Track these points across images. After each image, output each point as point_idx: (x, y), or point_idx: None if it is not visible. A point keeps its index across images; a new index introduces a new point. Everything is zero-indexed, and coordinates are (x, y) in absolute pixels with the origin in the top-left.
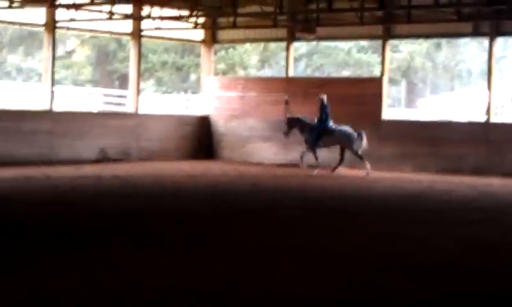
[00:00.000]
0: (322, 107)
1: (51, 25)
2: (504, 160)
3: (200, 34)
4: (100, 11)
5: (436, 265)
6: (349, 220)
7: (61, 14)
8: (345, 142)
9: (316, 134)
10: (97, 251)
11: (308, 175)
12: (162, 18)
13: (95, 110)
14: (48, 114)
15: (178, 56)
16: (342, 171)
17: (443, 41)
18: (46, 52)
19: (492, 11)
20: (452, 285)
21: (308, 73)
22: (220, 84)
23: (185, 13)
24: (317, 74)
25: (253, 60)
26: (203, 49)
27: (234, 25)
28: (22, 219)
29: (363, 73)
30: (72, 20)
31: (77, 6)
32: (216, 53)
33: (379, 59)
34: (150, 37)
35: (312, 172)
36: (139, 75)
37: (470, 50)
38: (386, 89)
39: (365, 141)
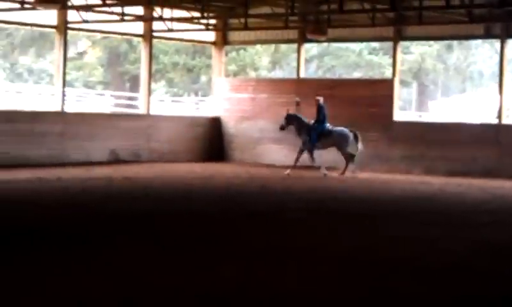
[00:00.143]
0: (319, 109)
1: (63, 26)
2: None
3: (211, 35)
4: (112, 13)
5: (446, 267)
6: (358, 223)
7: (72, 15)
8: (342, 144)
9: (315, 136)
10: (107, 253)
11: (318, 177)
12: (173, 19)
13: (106, 112)
14: (59, 116)
15: (189, 57)
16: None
17: (455, 42)
18: (57, 53)
19: (504, 12)
20: (462, 287)
21: (319, 74)
22: (231, 86)
23: (196, 14)
24: (328, 75)
25: (264, 61)
26: (214, 50)
27: (245, 27)
28: (32, 221)
29: (374, 74)
30: (83, 21)
31: (88, 8)
32: (226, 54)
33: (390, 61)
34: (161, 38)
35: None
36: (150, 76)
37: (481, 52)
38: (397, 91)
39: (360, 142)
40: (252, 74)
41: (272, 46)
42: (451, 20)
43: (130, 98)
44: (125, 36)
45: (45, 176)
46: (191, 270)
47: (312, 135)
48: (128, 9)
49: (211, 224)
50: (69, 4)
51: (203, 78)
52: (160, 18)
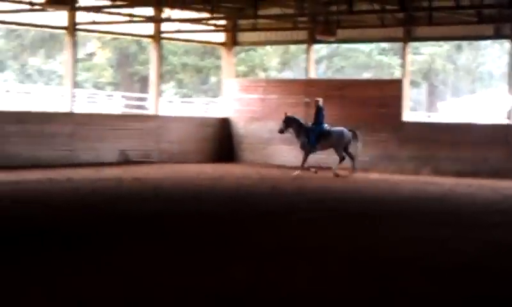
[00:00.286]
0: (318, 110)
1: (72, 27)
2: None
3: (220, 36)
4: (121, 14)
5: (457, 268)
6: (369, 223)
7: (82, 16)
8: (340, 143)
9: (314, 137)
10: (117, 254)
11: (328, 178)
12: (182, 20)
13: (115, 113)
14: (69, 117)
15: (199, 58)
16: (363, 174)
17: (464, 43)
18: (67, 54)
19: None
20: (473, 288)
21: (329, 75)
22: (240, 86)
23: (205, 15)
24: (338, 76)
25: (273, 62)
26: (223, 51)
27: (255, 28)
28: (43, 222)
29: (384, 75)
30: (93, 22)
31: (98, 9)
32: (236, 55)
33: (399, 61)
34: (171, 39)
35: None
36: (160, 77)
37: (491, 53)
38: (407, 92)
39: (360, 142)
40: (262, 75)
41: (282, 47)
42: (461, 21)
43: (139, 99)
44: (134, 37)
45: (55, 177)
46: (202, 271)
47: (311, 137)
48: (137, 10)
49: (221, 225)
50: (79, 5)
51: (213, 79)
52: (170, 19)
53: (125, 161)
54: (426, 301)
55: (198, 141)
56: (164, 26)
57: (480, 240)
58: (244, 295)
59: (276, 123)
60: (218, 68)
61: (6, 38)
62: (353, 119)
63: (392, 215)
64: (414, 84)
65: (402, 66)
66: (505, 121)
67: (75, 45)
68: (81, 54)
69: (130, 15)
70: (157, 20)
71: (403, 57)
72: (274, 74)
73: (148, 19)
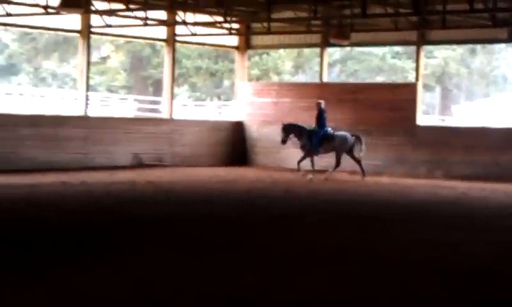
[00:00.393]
0: (320, 113)
1: (86, 31)
2: None
3: (233, 40)
4: (135, 17)
5: (470, 271)
6: (381, 227)
7: (96, 20)
8: (344, 147)
9: (317, 140)
10: (131, 257)
11: (341, 181)
12: (196, 24)
13: (129, 116)
14: (83, 120)
15: (212, 62)
16: (375, 178)
17: (478, 46)
18: (81, 57)
19: None
20: (486, 291)
21: (342, 78)
22: (254, 90)
23: (219, 18)
24: (351, 80)
25: (286, 66)
26: (237, 55)
27: (268, 31)
28: (57, 225)
29: (398, 79)
30: (106, 26)
31: (111, 12)
32: (249, 59)
33: (413, 65)
34: (184, 43)
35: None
36: (173, 80)
37: (505, 56)
38: (421, 95)
39: (364, 145)
40: (275, 78)
41: (295, 50)
42: (475, 24)
43: (153, 103)
44: (148, 41)
45: (69, 180)
46: (214, 275)
47: (314, 140)
48: (151, 14)
49: (234, 229)
50: (92, 8)
51: (226, 82)
52: (183, 23)
53: (138, 164)
54: (438, 304)
55: (211, 144)
56: (178, 30)
57: (494, 244)
58: (257, 298)
59: None
60: (231, 71)
61: (20, 42)
62: (366, 122)
63: (404, 219)
64: (427, 87)
65: (416, 69)
66: None
67: (88, 48)
68: (95, 57)
69: (144, 19)
70: (170, 23)
71: (417, 60)
72: (287, 78)
73: (162, 23)
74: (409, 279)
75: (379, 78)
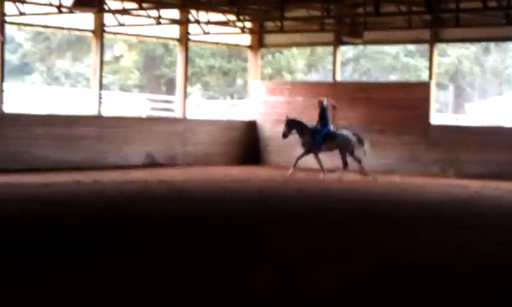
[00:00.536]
0: (323, 111)
1: (99, 30)
2: None
3: (246, 38)
4: (148, 16)
5: (482, 270)
6: (393, 226)
7: (109, 19)
8: (346, 147)
9: (320, 138)
10: (143, 256)
11: (353, 181)
12: (209, 23)
13: (142, 115)
14: (96, 119)
15: (225, 61)
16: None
17: (492, 45)
18: (94, 57)
19: None
20: (498, 290)
21: (355, 77)
22: (267, 89)
23: (232, 17)
24: (364, 78)
25: (299, 64)
26: (249, 54)
27: (281, 30)
28: (70, 223)
29: (411, 77)
30: (119, 25)
31: (124, 11)
32: (262, 57)
33: (426, 64)
34: (197, 42)
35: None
36: (186, 79)
37: None
38: (434, 94)
39: (367, 146)
40: (288, 77)
41: (308, 49)
42: (488, 22)
43: (166, 102)
44: (161, 40)
45: (82, 179)
46: (226, 274)
47: (317, 138)
48: (164, 13)
49: (246, 227)
50: (106, 8)
51: (239, 81)
52: (196, 22)
53: (151, 163)
54: (450, 304)
55: (223, 143)
56: (191, 28)
57: (506, 243)
58: (269, 298)
59: None
60: (244, 70)
61: (34, 41)
62: (380, 121)
63: (416, 218)
64: (441, 86)
65: (429, 68)
66: None
67: (102, 47)
68: (108, 56)
69: (157, 18)
70: (183, 22)
71: (430, 59)
72: (300, 76)
73: (175, 22)
74: (421, 278)
75: (392, 77)
